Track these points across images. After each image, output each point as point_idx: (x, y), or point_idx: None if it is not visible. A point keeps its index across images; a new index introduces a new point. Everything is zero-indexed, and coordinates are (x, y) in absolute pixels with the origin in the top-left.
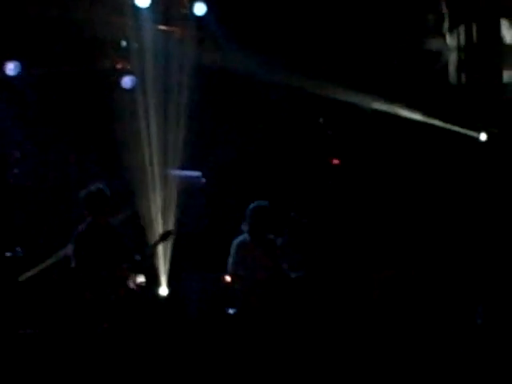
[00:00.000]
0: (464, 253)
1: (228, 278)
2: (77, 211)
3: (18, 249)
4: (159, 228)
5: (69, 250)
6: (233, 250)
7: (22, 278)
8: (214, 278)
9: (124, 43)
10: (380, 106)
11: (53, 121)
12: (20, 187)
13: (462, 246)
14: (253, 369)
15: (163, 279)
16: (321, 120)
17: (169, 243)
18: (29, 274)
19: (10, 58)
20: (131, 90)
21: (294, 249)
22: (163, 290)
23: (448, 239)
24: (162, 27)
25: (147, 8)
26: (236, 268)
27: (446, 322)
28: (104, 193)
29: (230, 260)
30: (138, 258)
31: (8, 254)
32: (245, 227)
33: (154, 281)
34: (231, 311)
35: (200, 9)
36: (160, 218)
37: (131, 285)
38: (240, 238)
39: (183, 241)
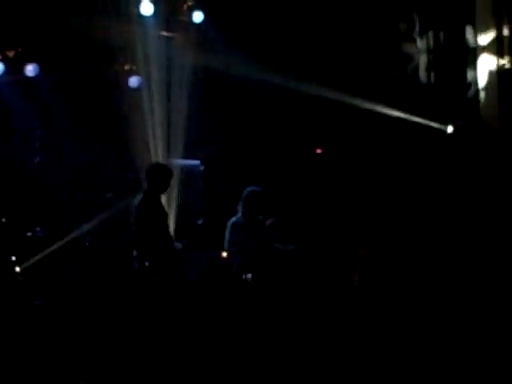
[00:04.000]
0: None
1: (225, 254)
2: (91, 194)
3: (38, 229)
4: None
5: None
6: (228, 230)
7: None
8: (212, 254)
9: (131, 48)
10: (360, 103)
11: (68, 115)
12: (40, 174)
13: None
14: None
15: None
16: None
17: (171, 222)
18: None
19: (30, 61)
20: (137, 89)
21: (282, 228)
22: None
23: (417, 221)
24: (165, 33)
25: (151, 16)
26: (231, 245)
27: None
28: (167, 168)
29: (226, 238)
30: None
31: (29, 234)
32: (239, 208)
33: None
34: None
35: (198, 16)
36: (165, 201)
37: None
38: (234, 219)
39: (184, 221)
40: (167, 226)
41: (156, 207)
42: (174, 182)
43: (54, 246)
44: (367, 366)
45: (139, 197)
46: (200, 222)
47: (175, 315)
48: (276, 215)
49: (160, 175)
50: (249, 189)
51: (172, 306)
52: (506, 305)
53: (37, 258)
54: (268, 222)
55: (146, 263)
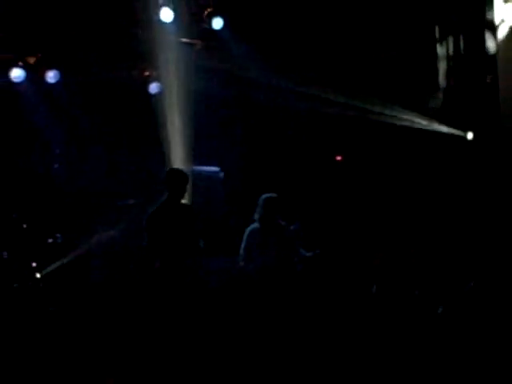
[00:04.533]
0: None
1: (241, 263)
2: (110, 201)
3: (59, 235)
4: None
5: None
6: (245, 237)
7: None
8: (232, 261)
9: (151, 54)
10: (380, 108)
11: (89, 122)
12: (59, 180)
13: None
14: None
15: None
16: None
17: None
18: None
19: (51, 68)
20: (158, 95)
21: (306, 233)
22: None
23: (435, 230)
24: (185, 39)
25: (171, 23)
26: (247, 253)
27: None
28: (184, 174)
29: (242, 245)
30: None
31: (49, 240)
32: (256, 216)
33: None
34: None
35: (218, 23)
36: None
37: None
38: (251, 226)
39: (204, 227)
40: (186, 230)
41: (171, 213)
42: (195, 188)
43: (75, 253)
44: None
45: (157, 204)
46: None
47: (190, 319)
48: (299, 221)
49: (175, 181)
50: (264, 195)
51: (187, 311)
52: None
53: (57, 264)
54: (292, 228)
55: (157, 264)
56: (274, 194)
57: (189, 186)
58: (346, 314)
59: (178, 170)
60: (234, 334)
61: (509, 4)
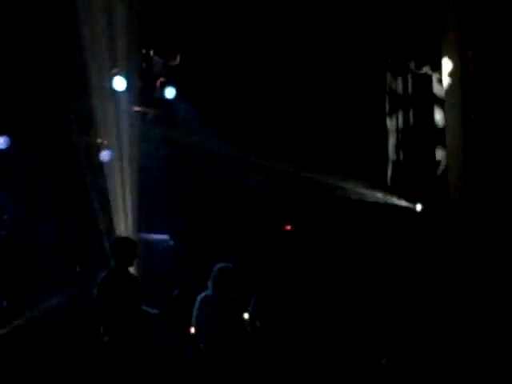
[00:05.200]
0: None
1: (192, 330)
2: (57, 268)
3: (4, 302)
4: None
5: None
6: (197, 304)
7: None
8: (182, 332)
9: (103, 122)
10: (328, 179)
11: (38, 188)
12: (6, 246)
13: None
14: None
15: None
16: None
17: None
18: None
19: (1, 133)
20: (109, 163)
21: (264, 305)
22: None
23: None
24: (137, 108)
25: (123, 91)
26: (199, 320)
27: None
28: (132, 242)
29: (194, 313)
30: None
31: None
32: (210, 284)
33: None
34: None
35: (170, 93)
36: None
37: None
38: (204, 294)
39: (152, 295)
40: (133, 300)
41: (120, 281)
42: (144, 256)
43: (20, 319)
44: None
45: (104, 272)
46: (176, 292)
47: None
48: (257, 292)
49: (122, 249)
50: (219, 265)
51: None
52: None
53: (2, 330)
54: (252, 300)
55: (105, 338)
56: (228, 264)
57: (138, 254)
58: None
59: (124, 239)
60: None
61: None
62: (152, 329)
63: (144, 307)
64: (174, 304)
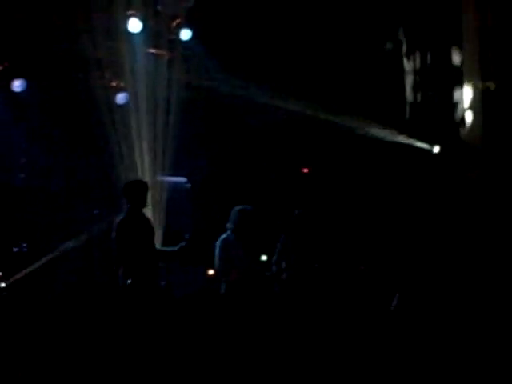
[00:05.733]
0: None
1: (211, 272)
2: (76, 210)
3: (24, 245)
4: None
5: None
6: (217, 247)
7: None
8: (199, 271)
9: (119, 64)
10: (346, 121)
11: (55, 131)
12: (25, 189)
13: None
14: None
15: None
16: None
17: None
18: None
19: (17, 76)
20: (124, 106)
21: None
22: None
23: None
24: (152, 50)
25: (139, 33)
26: (221, 263)
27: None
28: (144, 184)
29: (216, 255)
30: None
31: (15, 249)
32: (229, 226)
33: None
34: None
35: (186, 34)
36: (151, 217)
37: None
38: (224, 236)
39: (170, 238)
40: (150, 242)
41: (137, 223)
42: (161, 199)
43: (40, 262)
44: None
45: (121, 214)
46: (187, 236)
47: (159, 331)
48: (284, 235)
49: (135, 191)
50: (238, 207)
51: (156, 322)
52: None
53: (22, 273)
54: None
55: (128, 281)
56: (249, 207)
57: (156, 196)
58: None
59: (136, 181)
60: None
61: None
62: (170, 270)
63: (160, 247)
64: (187, 247)
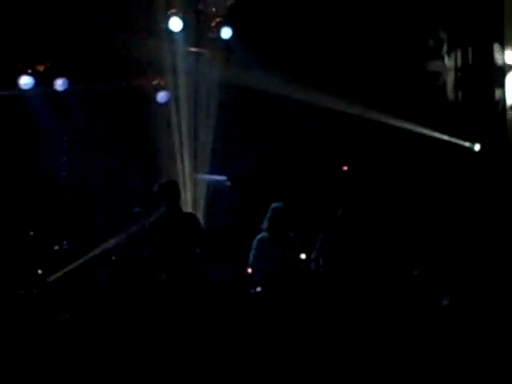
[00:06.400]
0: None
1: (249, 270)
2: (119, 209)
3: (65, 243)
4: None
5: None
6: (254, 246)
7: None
8: (236, 269)
9: (160, 63)
10: (387, 120)
11: (96, 130)
12: (67, 187)
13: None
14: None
15: None
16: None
17: None
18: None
19: (59, 75)
20: (165, 104)
21: (330, 245)
22: None
23: (440, 239)
24: (193, 49)
25: (179, 32)
26: (256, 261)
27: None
28: (176, 184)
29: (251, 254)
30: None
31: (56, 248)
32: (264, 225)
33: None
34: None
35: (226, 33)
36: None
37: None
38: (260, 235)
39: (210, 235)
40: (185, 240)
41: (172, 223)
42: (202, 196)
43: (81, 260)
44: None
45: (158, 213)
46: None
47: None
48: (324, 231)
49: (166, 194)
50: (273, 205)
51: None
52: None
53: (63, 271)
54: (318, 239)
55: (162, 276)
56: (281, 203)
57: (195, 194)
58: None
59: (166, 183)
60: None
61: None
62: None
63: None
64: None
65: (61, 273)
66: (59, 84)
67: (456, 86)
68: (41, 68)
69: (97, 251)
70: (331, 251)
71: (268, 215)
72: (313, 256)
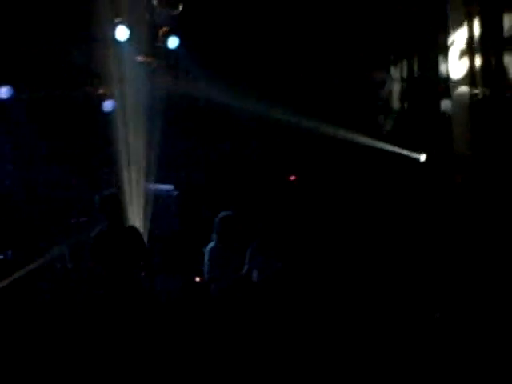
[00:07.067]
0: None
1: (198, 279)
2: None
3: (9, 252)
4: None
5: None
6: (206, 256)
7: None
8: (185, 278)
9: (106, 71)
10: (332, 130)
11: (41, 138)
12: (11, 196)
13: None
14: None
15: None
16: None
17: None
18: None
19: (3, 83)
20: (111, 113)
21: (263, 254)
22: None
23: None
24: (140, 58)
25: (126, 41)
26: (211, 270)
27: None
28: (116, 196)
29: (206, 264)
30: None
31: (0, 257)
32: (213, 236)
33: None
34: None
35: (173, 42)
36: (138, 225)
37: None
38: (210, 245)
39: (156, 245)
40: (127, 253)
41: (112, 238)
42: (149, 206)
43: (24, 270)
44: None
45: (99, 228)
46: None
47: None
48: (258, 239)
49: (108, 207)
50: (221, 214)
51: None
52: None
53: (6, 281)
54: (249, 249)
55: (101, 292)
56: (228, 212)
57: (144, 203)
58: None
59: (106, 196)
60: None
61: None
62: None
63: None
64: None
65: (5, 282)
66: (3, 92)
67: (401, 97)
68: None
69: (41, 261)
70: (265, 263)
71: (217, 226)
72: (244, 269)
